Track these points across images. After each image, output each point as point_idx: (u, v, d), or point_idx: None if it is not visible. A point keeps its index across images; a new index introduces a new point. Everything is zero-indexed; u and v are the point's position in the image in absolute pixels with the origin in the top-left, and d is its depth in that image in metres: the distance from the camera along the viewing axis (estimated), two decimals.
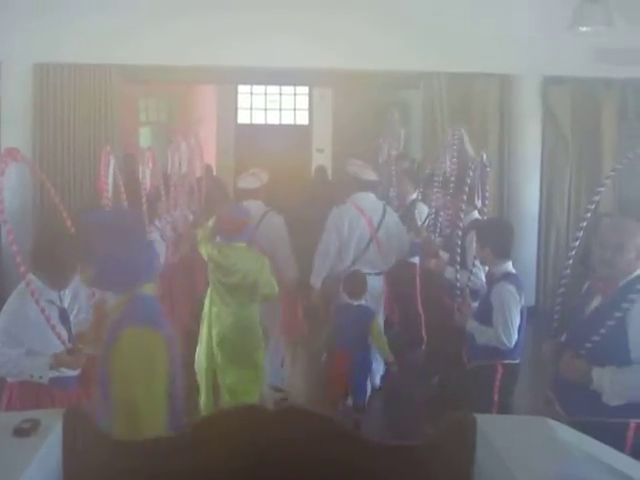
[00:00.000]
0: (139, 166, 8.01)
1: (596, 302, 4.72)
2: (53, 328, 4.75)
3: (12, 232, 4.70)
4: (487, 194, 7.39)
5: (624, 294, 4.49)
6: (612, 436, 3.97)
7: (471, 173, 6.88)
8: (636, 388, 4.50)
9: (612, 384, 4.50)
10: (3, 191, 4.75)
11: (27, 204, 10.80)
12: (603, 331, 4.46)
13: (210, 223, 7.54)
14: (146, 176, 8.05)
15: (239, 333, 7.13)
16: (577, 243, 4.94)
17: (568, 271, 4.93)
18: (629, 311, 4.45)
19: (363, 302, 7.57)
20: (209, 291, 7.41)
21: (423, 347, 9.50)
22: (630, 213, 10.29)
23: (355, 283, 7.59)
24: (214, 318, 7.25)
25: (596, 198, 5.03)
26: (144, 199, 6.85)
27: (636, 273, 4.58)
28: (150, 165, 8.36)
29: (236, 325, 7.12)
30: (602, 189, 5.14)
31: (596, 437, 3.39)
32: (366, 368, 7.61)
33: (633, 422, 4.53)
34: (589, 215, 4.92)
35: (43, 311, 4.69)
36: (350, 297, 7.51)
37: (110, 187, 6.21)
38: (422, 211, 9.13)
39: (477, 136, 11.18)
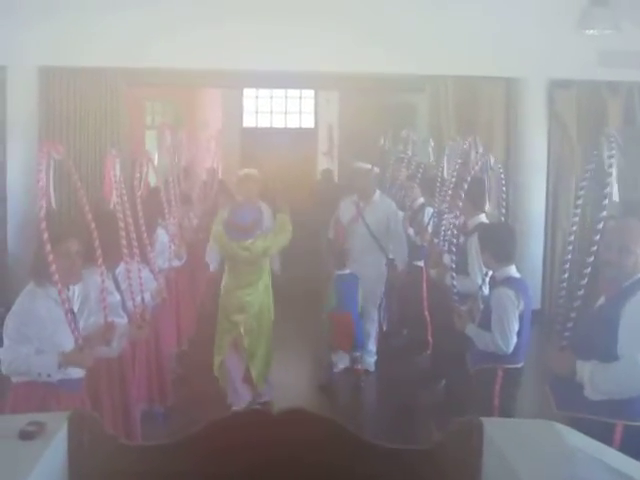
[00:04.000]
0: (138, 169, 8.03)
1: (600, 302, 4.76)
2: (69, 324, 4.79)
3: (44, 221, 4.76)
4: (504, 196, 7.31)
5: (626, 294, 4.54)
6: (599, 435, 3.98)
7: (469, 177, 6.84)
8: (615, 384, 4.53)
9: (591, 377, 4.54)
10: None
11: (33, 204, 10.84)
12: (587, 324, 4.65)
13: (220, 218, 8.15)
14: (143, 179, 8.08)
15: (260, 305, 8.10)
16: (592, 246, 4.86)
17: (587, 274, 4.90)
18: (623, 308, 4.50)
19: (348, 271, 8.73)
20: (226, 276, 8.15)
21: (429, 351, 9.49)
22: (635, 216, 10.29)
23: (338, 258, 8.82)
24: (236, 300, 7.97)
25: (579, 202, 5.23)
26: (139, 205, 6.84)
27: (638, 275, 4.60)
28: (145, 169, 8.37)
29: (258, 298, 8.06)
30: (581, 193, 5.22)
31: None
32: (360, 325, 8.81)
33: (619, 423, 4.54)
34: (577, 219, 5.09)
35: (64, 303, 4.73)
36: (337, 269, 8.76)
37: (117, 190, 6.23)
38: (429, 215, 9.19)
39: (482, 139, 11.18)
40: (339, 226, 9.33)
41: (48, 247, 4.68)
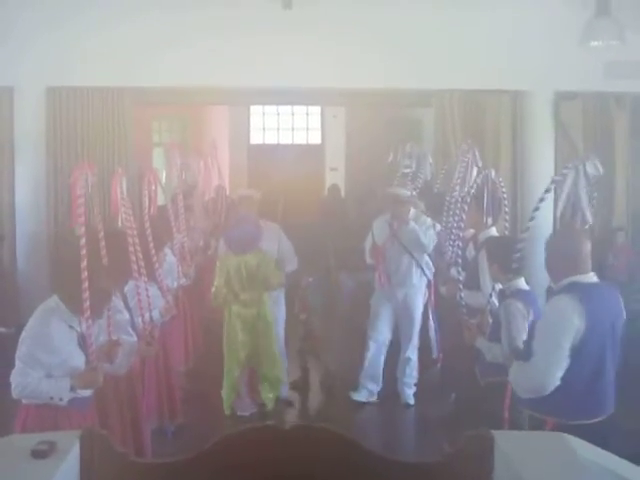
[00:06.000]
0: (146, 187, 8.06)
1: None
2: (83, 347, 4.82)
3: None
4: (506, 209, 7.32)
5: (550, 297, 5.02)
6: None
7: (472, 191, 6.83)
8: (523, 383, 4.91)
9: (512, 378, 4.99)
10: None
11: (41, 224, 10.89)
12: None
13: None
14: (150, 197, 8.10)
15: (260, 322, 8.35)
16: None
17: None
18: (543, 309, 5.03)
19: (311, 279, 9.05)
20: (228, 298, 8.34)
21: (439, 365, 9.46)
22: None
23: None
24: (236, 318, 8.30)
25: (535, 214, 5.41)
26: (147, 223, 6.85)
27: (566, 281, 4.92)
28: (153, 187, 8.40)
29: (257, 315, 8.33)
30: (541, 204, 5.43)
31: None
32: None
33: (550, 420, 4.80)
34: (531, 223, 5.37)
35: (89, 328, 4.79)
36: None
37: (124, 208, 6.25)
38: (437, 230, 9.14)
39: (489, 153, 11.18)
40: (376, 248, 9.02)
41: (86, 285, 4.71)
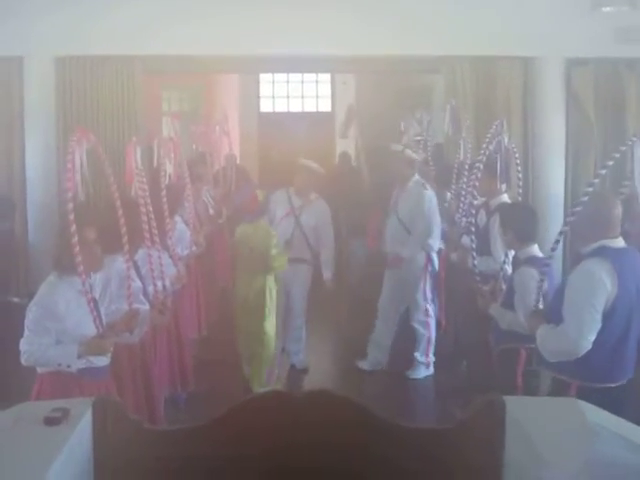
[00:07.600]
0: (161, 156, 8.04)
1: None
2: (91, 312, 4.82)
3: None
4: (520, 176, 7.28)
5: (579, 260, 4.95)
6: (556, 393, 4.78)
7: (484, 158, 6.79)
8: (555, 346, 4.91)
9: (540, 339, 5.01)
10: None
11: (52, 195, 10.89)
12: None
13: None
14: (167, 166, 8.07)
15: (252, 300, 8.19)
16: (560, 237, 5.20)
17: None
18: (572, 273, 4.93)
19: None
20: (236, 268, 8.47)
21: (441, 331, 9.47)
22: None
23: None
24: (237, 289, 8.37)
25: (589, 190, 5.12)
26: (164, 191, 6.85)
27: (595, 244, 4.89)
28: (172, 155, 8.37)
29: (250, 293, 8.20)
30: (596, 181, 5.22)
31: None
32: None
33: (574, 383, 4.84)
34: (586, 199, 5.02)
35: (87, 293, 4.77)
36: None
37: (138, 177, 6.25)
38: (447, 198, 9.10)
39: (500, 119, 11.13)
40: (374, 216, 9.02)
41: (75, 238, 4.70)
